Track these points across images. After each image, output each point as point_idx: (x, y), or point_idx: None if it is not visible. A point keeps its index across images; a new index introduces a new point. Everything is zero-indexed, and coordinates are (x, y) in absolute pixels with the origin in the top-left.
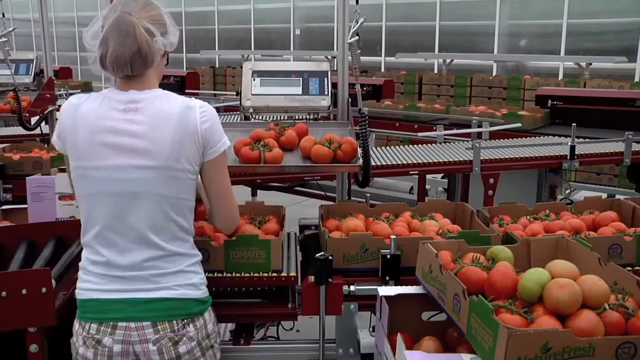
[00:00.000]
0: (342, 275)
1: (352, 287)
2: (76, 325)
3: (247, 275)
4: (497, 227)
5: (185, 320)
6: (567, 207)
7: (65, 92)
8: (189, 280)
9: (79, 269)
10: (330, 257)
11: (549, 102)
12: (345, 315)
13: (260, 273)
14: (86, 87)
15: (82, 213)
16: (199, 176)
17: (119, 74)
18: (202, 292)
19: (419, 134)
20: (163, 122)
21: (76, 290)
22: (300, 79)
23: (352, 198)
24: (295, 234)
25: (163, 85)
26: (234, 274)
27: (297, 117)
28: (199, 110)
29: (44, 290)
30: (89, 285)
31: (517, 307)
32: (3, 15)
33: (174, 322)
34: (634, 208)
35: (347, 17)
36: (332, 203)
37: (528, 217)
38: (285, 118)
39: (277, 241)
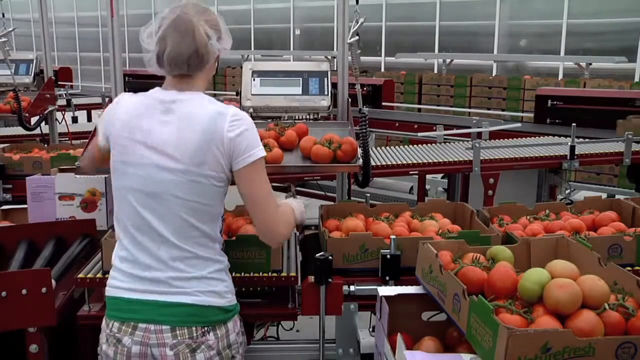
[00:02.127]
0: (342, 275)
1: (352, 287)
2: (103, 321)
3: (247, 275)
4: (497, 227)
5: (206, 328)
6: (567, 207)
7: (65, 92)
8: (211, 288)
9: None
10: (330, 257)
11: (549, 102)
12: (345, 315)
13: (260, 273)
14: None
15: (114, 206)
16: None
17: (175, 72)
18: (227, 301)
19: (419, 134)
20: (191, 126)
21: (106, 287)
22: (300, 79)
23: (352, 198)
24: (295, 234)
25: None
26: (234, 274)
27: (297, 117)
28: (229, 118)
29: (44, 290)
30: (117, 283)
31: (517, 307)
32: (3, 15)
33: (193, 328)
34: (634, 208)
35: (347, 17)
36: (332, 203)
37: (528, 217)
38: (285, 118)
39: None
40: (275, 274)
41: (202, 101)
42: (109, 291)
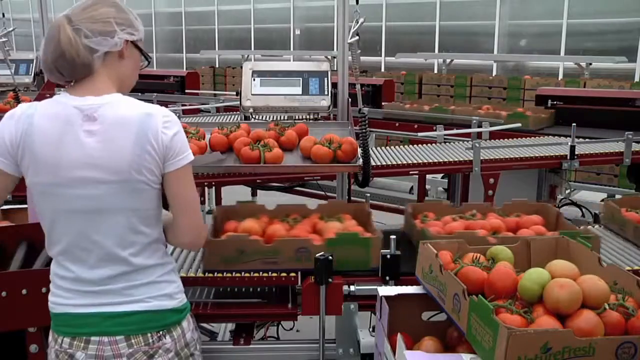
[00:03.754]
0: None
1: (352, 287)
2: (50, 337)
3: (247, 275)
4: (419, 223)
5: (161, 332)
6: (495, 209)
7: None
8: (162, 291)
9: (50, 281)
10: (330, 257)
11: (549, 102)
12: (345, 315)
13: (260, 273)
14: None
15: (44, 227)
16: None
17: (53, 80)
18: (178, 301)
19: (419, 134)
20: (121, 132)
21: (48, 303)
22: (300, 79)
23: (352, 198)
24: None
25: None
26: (234, 274)
27: (297, 117)
28: (161, 119)
29: (44, 290)
30: (60, 300)
31: (517, 307)
32: (3, 15)
33: (149, 335)
34: (558, 214)
35: (347, 17)
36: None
37: (453, 216)
38: (285, 118)
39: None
40: (275, 274)
41: (125, 103)
42: (54, 308)
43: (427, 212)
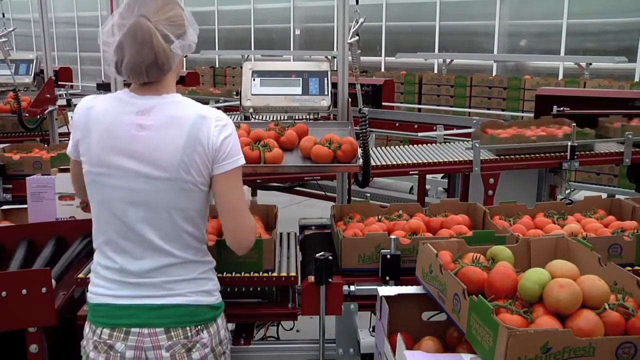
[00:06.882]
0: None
1: (352, 287)
2: (86, 328)
3: (247, 275)
4: (340, 225)
5: (199, 327)
6: (423, 209)
7: (65, 92)
8: (202, 287)
9: (91, 271)
10: (331, 257)
11: (555, 108)
12: (345, 315)
13: (260, 273)
14: None
15: (93, 216)
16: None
17: (135, 81)
18: (215, 299)
19: (419, 134)
20: (173, 131)
21: (87, 294)
22: (300, 79)
23: (352, 198)
24: (295, 234)
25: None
26: (234, 274)
27: (297, 117)
28: (214, 122)
29: (44, 290)
30: (102, 290)
31: (517, 307)
32: (3, 15)
33: (187, 328)
34: (485, 213)
35: (347, 17)
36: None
37: (378, 216)
38: (285, 118)
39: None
40: (275, 274)
41: (182, 104)
42: (94, 298)
43: (354, 212)
